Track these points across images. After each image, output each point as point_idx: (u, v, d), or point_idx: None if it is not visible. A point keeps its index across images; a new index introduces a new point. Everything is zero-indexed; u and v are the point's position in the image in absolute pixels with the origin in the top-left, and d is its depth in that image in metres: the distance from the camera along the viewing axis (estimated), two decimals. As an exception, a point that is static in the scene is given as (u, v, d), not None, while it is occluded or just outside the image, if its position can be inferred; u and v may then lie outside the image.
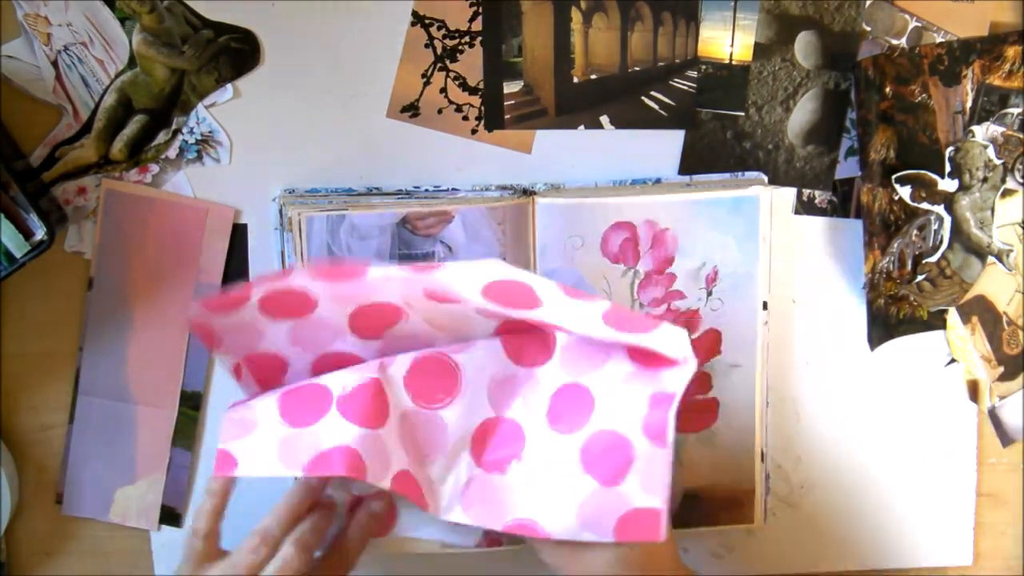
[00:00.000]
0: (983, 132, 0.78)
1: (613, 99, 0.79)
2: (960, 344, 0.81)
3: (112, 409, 0.80)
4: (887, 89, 0.78)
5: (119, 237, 0.78)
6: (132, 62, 0.76)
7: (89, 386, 0.80)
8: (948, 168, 0.78)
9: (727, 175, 0.80)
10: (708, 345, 0.78)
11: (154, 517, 0.81)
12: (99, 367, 0.79)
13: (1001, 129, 0.78)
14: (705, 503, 0.80)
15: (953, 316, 0.81)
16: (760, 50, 0.79)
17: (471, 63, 0.78)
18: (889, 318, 0.80)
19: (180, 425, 0.80)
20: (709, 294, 0.78)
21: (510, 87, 0.78)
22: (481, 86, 0.78)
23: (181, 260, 0.78)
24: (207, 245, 0.78)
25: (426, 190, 0.78)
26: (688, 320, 0.78)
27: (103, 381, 0.79)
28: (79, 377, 0.79)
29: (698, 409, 0.79)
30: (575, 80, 0.79)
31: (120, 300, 0.79)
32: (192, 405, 0.80)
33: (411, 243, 0.76)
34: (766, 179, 0.80)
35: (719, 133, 0.80)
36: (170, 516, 0.82)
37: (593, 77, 0.79)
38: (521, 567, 0.84)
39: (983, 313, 0.81)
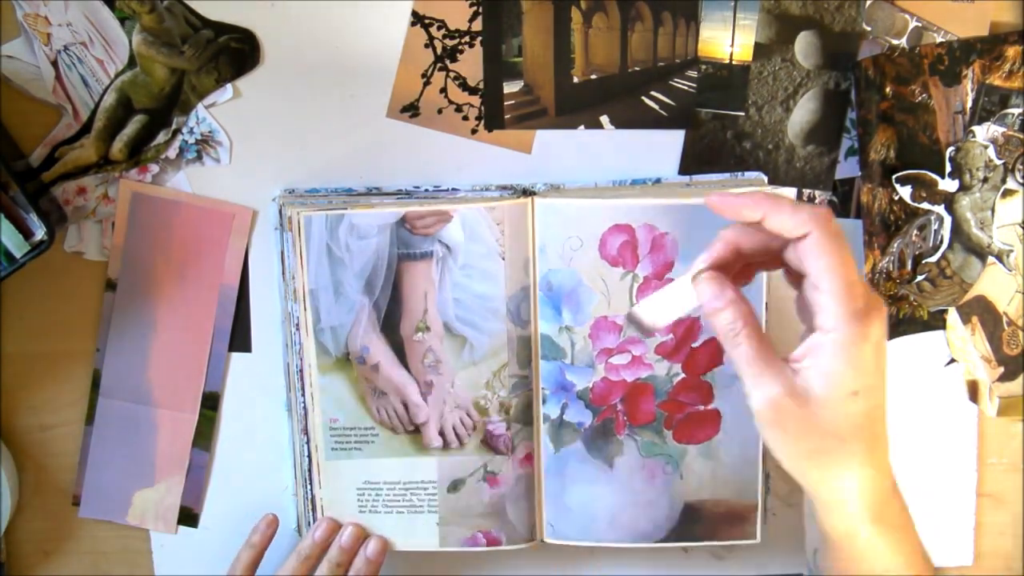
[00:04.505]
0: (983, 132, 0.78)
1: (613, 99, 0.79)
2: (960, 344, 0.81)
3: (133, 412, 0.80)
4: (887, 89, 0.78)
5: (144, 239, 0.78)
6: (132, 62, 0.76)
7: (109, 388, 0.80)
8: (948, 168, 0.78)
9: (727, 175, 0.80)
10: (710, 355, 0.78)
11: (172, 519, 0.81)
12: (120, 369, 0.79)
13: (1001, 129, 0.78)
14: (706, 517, 0.80)
15: (953, 316, 0.81)
16: (760, 50, 0.79)
17: (471, 63, 0.78)
18: (889, 318, 0.80)
19: (198, 426, 0.80)
20: (711, 302, 0.77)
21: (510, 87, 0.78)
22: (481, 86, 0.78)
23: (206, 262, 0.79)
24: (229, 247, 0.79)
25: (426, 190, 0.78)
26: (689, 328, 0.77)
27: (124, 384, 0.80)
28: (98, 379, 0.79)
29: (700, 421, 0.79)
30: (575, 80, 0.79)
31: (143, 302, 0.79)
32: (210, 406, 0.80)
33: (409, 242, 0.76)
34: (766, 179, 0.80)
35: (719, 133, 0.80)
36: (187, 517, 0.82)
37: (593, 77, 0.79)
38: (523, 567, 0.84)
39: (983, 313, 0.81)
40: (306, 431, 0.79)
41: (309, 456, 0.79)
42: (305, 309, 0.76)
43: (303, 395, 0.78)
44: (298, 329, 0.77)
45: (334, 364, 0.77)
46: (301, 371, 0.78)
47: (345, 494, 0.79)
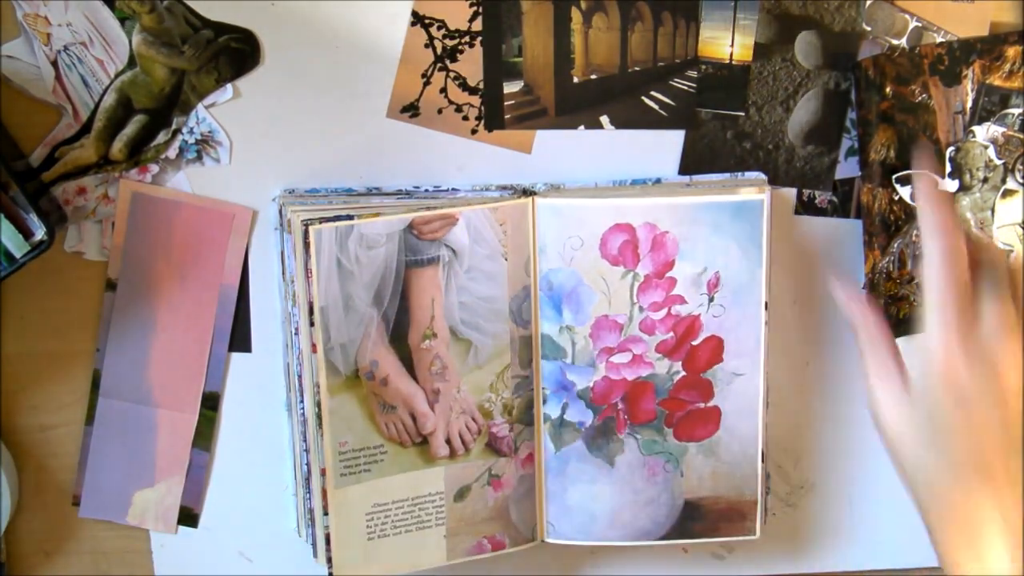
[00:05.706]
0: (984, 132, 0.78)
1: (613, 99, 0.79)
2: (960, 344, 0.81)
3: (133, 412, 0.80)
4: (887, 89, 0.78)
5: (144, 239, 0.78)
6: (132, 62, 0.76)
7: (110, 388, 0.79)
8: (948, 168, 0.78)
9: (727, 175, 0.80)
10: (709, 352, 0.78)
11: (172, 520, 0.81)
12: (120, 369, 0.79)
13: (1002, 129, 0.78)
14: (706, 513, 0.80)
15: (953, 316, 0.80)
16: (760, 50, 0.79)
17: (471, 63, 0.78)
18: (889, 318, 0.80)
19: (198, 426, 0.80)
20: (711, 300, 0.77)
21: (510, 87, 0.78)
22: (481, 86, 0.78)
23: (206, 262, 0.78)
24: (229, 247, 0.79)
25: (426, 190, 0.78)
26: (689, 326, 0.77)
27: (124, 384, 0.79)
28: (98, 379, 0.79)
29: (700, 418, 0.79)
30: (575, 80, 0.79)
31: (143, 302, 0.79)
32: (210, 406, 0.80)
33: (417, 248, 0.75)
34: (766, 179, 0.80)
35: (719, 133, 0.80)
36: (187, 517, 0.82)
37: (593, 77, 0.79)
38: (524, 567, 0.84)
39: (983, 313, 0.81)
40: (308, 463, 0.77)
41: (310, 483, 0.77)
42: (313, 324, 0.75)
43: (304, 424, 0.77)
44: (297, 333, 0.76)
45: (343, 383, 0.75)
46: (300, 376, 0.77)
47: (354, 522, 0.77)
